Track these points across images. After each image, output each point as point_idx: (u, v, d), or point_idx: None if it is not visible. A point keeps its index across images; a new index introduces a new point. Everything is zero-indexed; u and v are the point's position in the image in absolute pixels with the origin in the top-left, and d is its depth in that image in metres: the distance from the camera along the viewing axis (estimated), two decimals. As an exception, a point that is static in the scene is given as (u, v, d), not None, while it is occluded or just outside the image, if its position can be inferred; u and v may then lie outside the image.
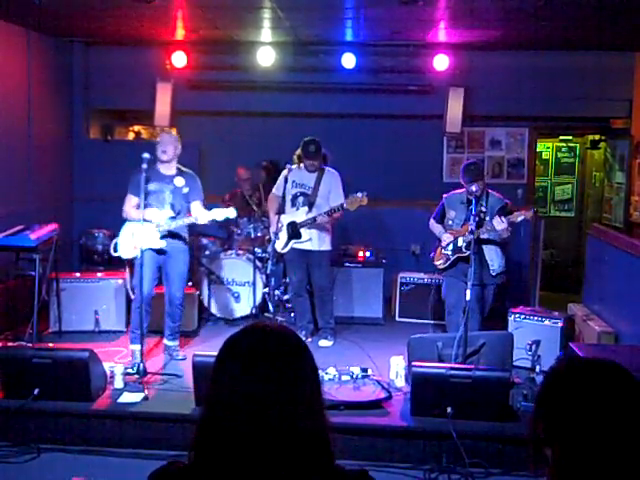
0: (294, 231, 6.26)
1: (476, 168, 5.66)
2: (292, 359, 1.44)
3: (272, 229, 6.32)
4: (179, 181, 5.58)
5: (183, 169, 5.71)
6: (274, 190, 6.42)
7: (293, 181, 6.28)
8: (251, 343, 1.46)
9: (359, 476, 1.49)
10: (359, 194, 5.92)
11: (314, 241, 6.27)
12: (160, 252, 5.54)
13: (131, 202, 5.60)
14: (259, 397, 1.38)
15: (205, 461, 1.40)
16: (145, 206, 5.47)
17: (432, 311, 6.84)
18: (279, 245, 6.35)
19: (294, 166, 6.26)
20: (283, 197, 6.14)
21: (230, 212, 5.60)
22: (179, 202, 5.59)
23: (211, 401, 1.44)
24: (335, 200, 6.18)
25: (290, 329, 1.53)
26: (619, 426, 1.40)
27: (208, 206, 7.34)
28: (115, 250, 5.59)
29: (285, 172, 6.21)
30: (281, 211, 6.17)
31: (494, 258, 5.69)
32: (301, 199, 6.28)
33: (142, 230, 5.37)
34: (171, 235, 5.55)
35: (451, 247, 5.80)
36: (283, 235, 6.31)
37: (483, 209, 5.65)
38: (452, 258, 5.80)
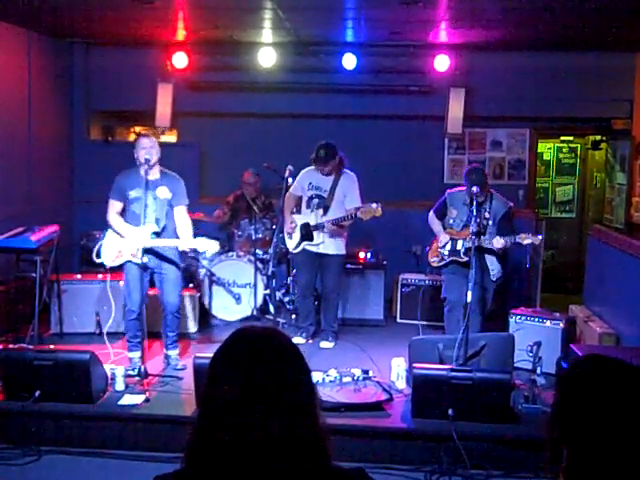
0: (307, 233, 6.24)
1: (477, 177, 5.50)
2: (284, 361, 1.45)
3: (285, 228, 6.33)
4: (162, 192, 5.26)
5: (166, 171, 5.41)
6: (291, 189, 6.39)
7: (310, 183, 6.26)
8: (243, 348, 1.47)
9: (356, 474, 1.49)
10: (374, 205, 5.84)
11: (327, 245, 6.23)
12: (146, 265, 5.21)
13: (114, 208, 5.39)
14: (254, 401, 1.39)
15: (200, 465, 1.40)
16: (126, 212, 5.34)
17: (422, 312, 6.55)
18: (291, 245, 6.35)
19: (311, 168, 6.24)
20: (285, 193, 6.21)
21: (213, 246, 5.23)
22: (162, 212, 5.27)
23: (206, 407, 1.45)
24: (351, 204, 6.11)
25: (280, 331, 1.54)
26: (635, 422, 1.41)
27: (207, 208, 7.39)
28: (98, 256, 5.36)
29: (287, 173, 6.20)
30: (297, 211, 6.28)
31: (494, 263, 5.68)
32: (316, 201, 6.24)
33: (126, 240, 5.26)
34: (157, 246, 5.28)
35: (449, 247, 5.79)
36: (296, 236, 6.30)
37: (487, 215, 5.61)
38: (447, 260, 5.79)
